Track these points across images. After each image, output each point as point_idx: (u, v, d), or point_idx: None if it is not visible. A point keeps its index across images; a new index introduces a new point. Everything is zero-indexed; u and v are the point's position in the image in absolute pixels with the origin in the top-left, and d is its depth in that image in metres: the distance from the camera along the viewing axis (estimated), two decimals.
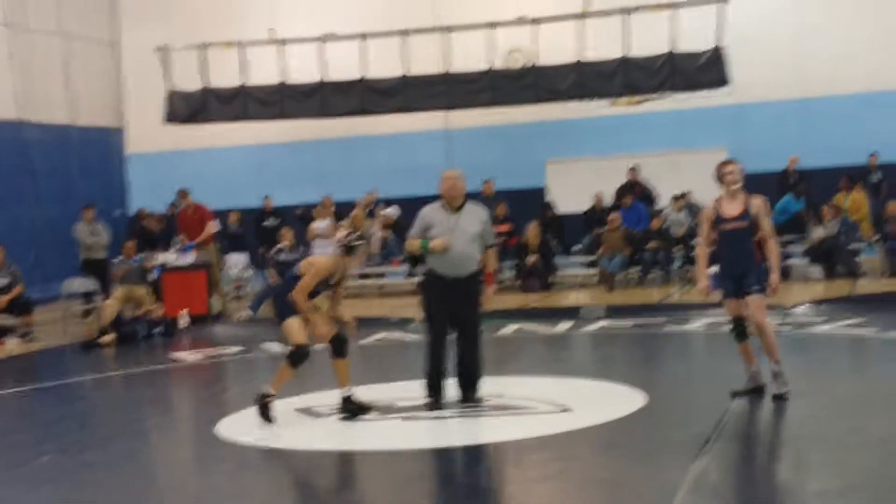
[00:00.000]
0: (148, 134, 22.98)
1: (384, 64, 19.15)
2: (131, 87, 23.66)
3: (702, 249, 8.60)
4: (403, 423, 8.34)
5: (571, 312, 14.64)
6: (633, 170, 19.79)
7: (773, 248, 8.31)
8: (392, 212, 20.32)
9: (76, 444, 8.40)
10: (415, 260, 17.24)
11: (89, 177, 22.29)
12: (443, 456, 7.56)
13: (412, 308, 13.53)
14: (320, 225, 19.15)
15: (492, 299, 8.80)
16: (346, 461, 7.65)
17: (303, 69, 19.38)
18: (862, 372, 10.04)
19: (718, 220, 8.43)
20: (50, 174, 21.19)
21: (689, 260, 18.01)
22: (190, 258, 16.69)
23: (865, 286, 15.88)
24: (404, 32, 18.88)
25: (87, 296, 17.89)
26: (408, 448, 7.63)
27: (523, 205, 19.51)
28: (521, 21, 18.85)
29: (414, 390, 8.84)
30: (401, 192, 21.16)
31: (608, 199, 19.49)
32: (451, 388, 8.71)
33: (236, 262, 19.35)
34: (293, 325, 8.25)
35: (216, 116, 20.02)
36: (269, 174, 22.65)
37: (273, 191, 21.15)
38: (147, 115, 21.67)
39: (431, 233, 8.52)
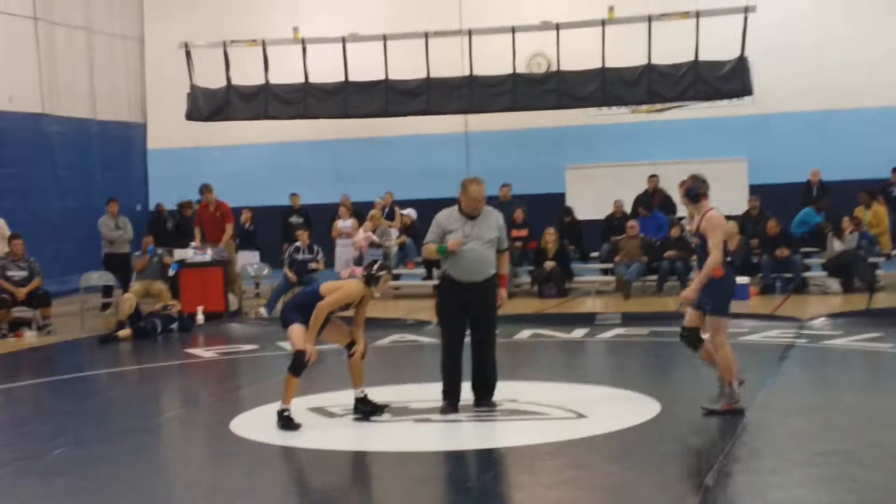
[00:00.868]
0: (169, 130, 23.08)
1: (406, 65, 19.17)
2: (154, 83, 23.77)
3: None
4: (416, 426, 8.35)
5: (587, 319, 14.62)
6: (653, 178, 19.75)
7: (708, 262, 8.19)
8: (410, 213, 20.36)
9: (91, 438, 8.44)
10: (431, 265, 17.27)
11: (110, 171, 22.40)
12: (455, 459, 7.57)
13: (428, 310, 13.54)
14: (345, 224, 19.22)
15: (505, 301, 8.80)
16: (358, 461, 7.67)
17: (324, 68, 19.43)
18: (878, 387, 9.99)
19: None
20: (71, 167, 21.29)
21: None
22: (207, 255, 16.74)
23: (883, 300, 15.81)
24: (427, 34, 18.89)
25: (106, 290, 17.98)
26: (420, 450, 7.64)
27: (542, 210, 19.49)
28: (544, 26, 18.84)
29: (428, 393, 8.85)
30: (419, 194, 21.19)
31: (627, 206, 19.46)
32: (466, 391, 8.71)
33: (249, 259, 19.40)
34: (296, 331, 8.24)
35: (238, 114, 20.07)
36: (288, 173, 22.71)
37: (292, 189, 21.20)
38: (169, 111, 21.76)
39: (448, 238, 8.52)
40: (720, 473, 6.52)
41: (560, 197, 21.51)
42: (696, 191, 8.36)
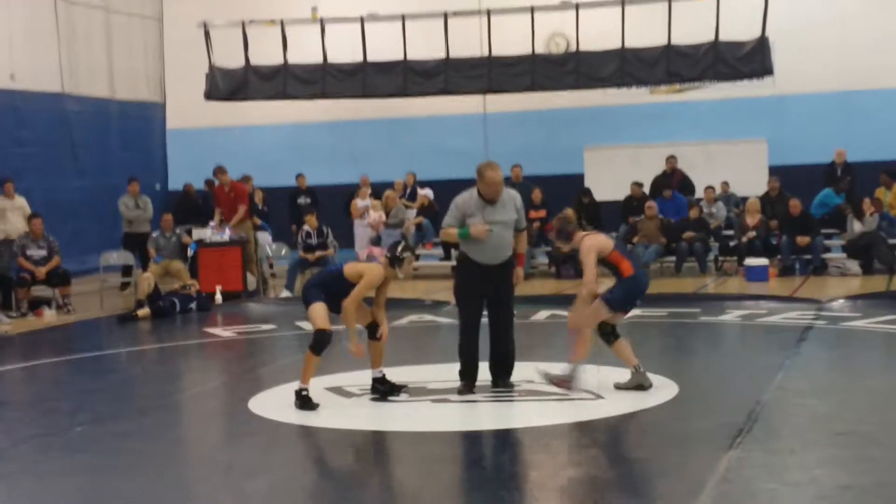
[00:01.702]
0: (187, 109, 23.11)
1: (425, 46, 19.13)
2: (173, 63, 23.79)
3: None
4: (434, 406, 8.36)
5: None
6: (671, 159, 19.68)
7: (584, 282, 8.51)
8: (427, 193, 20.36)
9: (110, 415, 8.49)
10: (449, 246, 17.26)
11: (129, 150, 22.45)
12: (472, 439, 7.59)
13: (446, 291, 13.55)
14: (362, 203, 19.23)
15: (521, 279, 8.79)
16: (375, 441, 7.69)
17: (343, 49, 19.40)
18: None
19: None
20: (90, 147, 21.34)
21: (725, 251, 17.92)
22: (226, 235, 16.78)
23: None
24: (446, 14, 18.83)
25: (125, 269, 18.05)
26: (437, 430, 7.66)
27: (560, 191, 19.44)
28: (564, 5, 18.77)
29: (446, 373, 8.86)
30: (436, 175, 21.19)
31: (646, 187, 19.40)
32: (484, 372, 8.71)
33: (264, 239, 19.45)
34: (318, 309, 8.23)
35: (256, 94, 20.06)
36: (307, 153, 22.73)
37: (310, 169, 21.21)
38: (187, 91, 21.77)
39: (469, 222, 8.48)
40: (738, 454, 6.51)
41: (578, 178, 21.47)
42: (564, 232, 8.61)
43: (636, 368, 8.54)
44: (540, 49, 19.28)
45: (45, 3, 20.33)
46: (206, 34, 19.70)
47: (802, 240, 16.99)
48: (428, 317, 13.61)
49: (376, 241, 18.40)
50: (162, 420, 8.33)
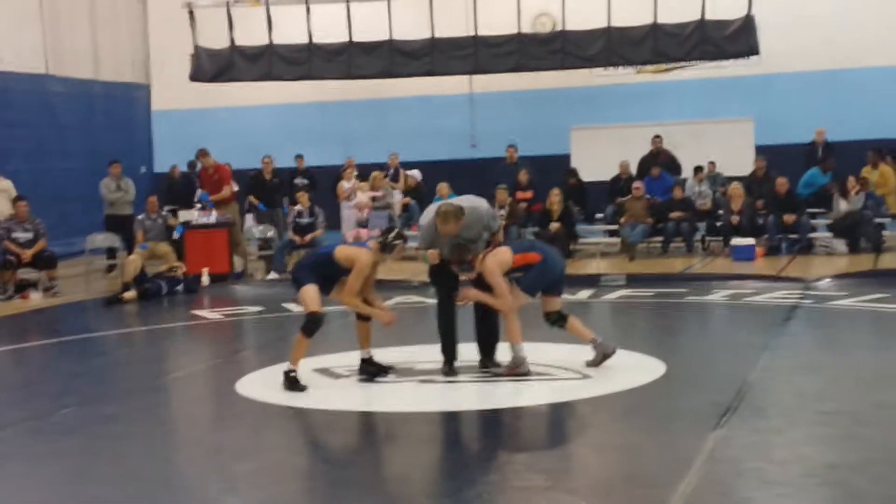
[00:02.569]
0: (173, 91, 22.99)
1: (411, 26, 19.05)
2: (157, 44, 23.65)
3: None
4: (421, 386, 8.37)
5: (592, 280, 14.61)
6: (656, 138, 19.67)
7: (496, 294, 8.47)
8: (415, 174, 20.31)
9: (97, 398, 8.48)
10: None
11: (114, 132, 22.34)
12: (459, 419, 7.60)
13: None
14: (348, 185, 19.18)
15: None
16: (363, 421, 7.70)
17: (329, 29, 19.31)
18: (883, 347, 9.99)
19: None
20: (75, 129, 21.23)
21: (711, 231, 17.95)
22: (212, 217, 16.73)
23: (889, 260, 15.78)
24: None
25: (111, 251, 17.99)
26: (425, 411, 7.66)
27: (547, 171, 19.43)
28: None
29: (432, 354, 8.87)
30: (423, 156, 21.14)
31: (632, 167, 19.40)
32: (470, 353, 8.72)
33: (251, 221, 19.38)
34: (309, 292, 8.21)
35: (242, 75, 19.94)
36: (294, 134, 22.64)
37: (297, 150, 21.14)
38: (173, 72, 21.67)
39: (437, 245, 8.49)
40: (725, 433, 6.53)
41: (565, 158, 21.45)
42: (465, 262, 8.46)
43: (594, 341, 8.62)
44: (526, 29, 19.20)
45: None
46: (191, 15, 19.56)
47: (789, 218, 17.02)
48: (415, 298, 13.61)
49: (363, 224, 18.36)
50: (149, 402, 8.31)
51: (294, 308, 12.51)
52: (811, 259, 16.59)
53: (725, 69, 20.64)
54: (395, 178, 19.98)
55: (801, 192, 18.06)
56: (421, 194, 19.54)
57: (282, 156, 21.16)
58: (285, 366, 8.27)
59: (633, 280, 14.62)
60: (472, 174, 19.63)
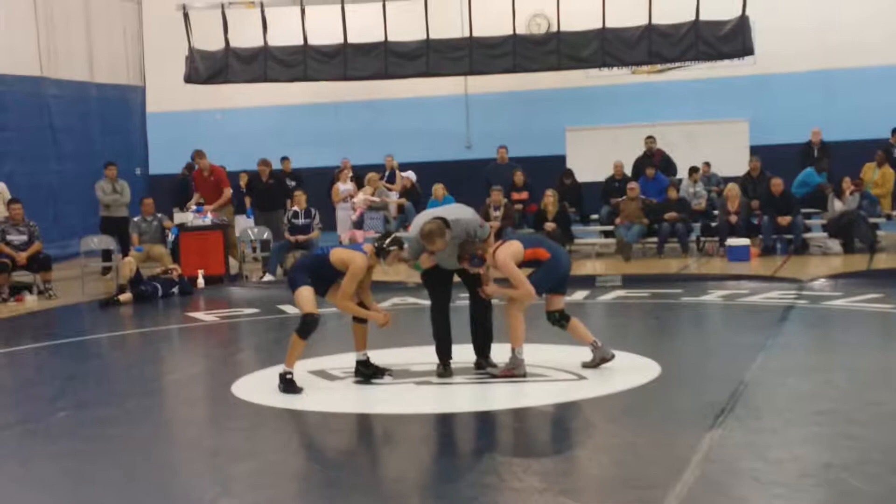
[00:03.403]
0: (168, 93, 23.02)
1: (406, 27, 19.07)
2: (152, 46, 23.65)
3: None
4: (417, 388, 8.37)
5: (587, 281, 14.62)
6: (649, 139, 19.68)
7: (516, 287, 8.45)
8: (410, 176, 20.31)
9: (93, 400, 8.48)
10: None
11: (109, 134, 22.35)
12: (455, 421, 7.59)
13: None
14: (344, 187, 19.18)
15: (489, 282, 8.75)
16: (359, 423, 7.70)
17: (324, 31, 19.33)
18: (878, 347, 10.00)
19: None
20: (70, 131, 21.24)
21: (706, 231, 17.96)
22: (208, 219, 16.72)
23: (884, 261, 15.81)
24: None
25: (106, 254, 17.97)
26: (421, 412, 7.66)
27: (542, 172, 19.45)
28: None
29: (428, 355, 8.86)
30: (419, 157, 21.16)
31: (627, 168, 19.41)
32: (466, 354, 8.73)
33: (245, 223, 19.38)
34: (304, 293, 8.21)
35: (237, 77, 19.98)
36: (289, 136, 22.65)
37: (291, 152, 21.14)
38: (168, 74, 21.68)
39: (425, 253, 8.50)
40: (720, 434, 6.54)
41: (560, 159, 21.48)
42: (477, 257, 8.35)
43: (594, 344, 8.60)
44: (521, 30, 19.27)
45: None
46: (186, 17, 19.60)
47: (784, 219, 17.04)
48: (411, 299, 13.61)
49: (358, 225, 18.36)
50: (145, 405, 8.30)
51: (289, 310, 12.51)
52: (806, 259, 16.60)
53: (720, 70, 20.68)
54: (391, 180, 19.98)
55: (796, 191, 18.07)
56: (416, 196, 19.55)
57: (276, 158, 21.18)
58: (281, 368, 8.27)
59: (629, 281, 14.62)
60: (467, 175, 19.66)
